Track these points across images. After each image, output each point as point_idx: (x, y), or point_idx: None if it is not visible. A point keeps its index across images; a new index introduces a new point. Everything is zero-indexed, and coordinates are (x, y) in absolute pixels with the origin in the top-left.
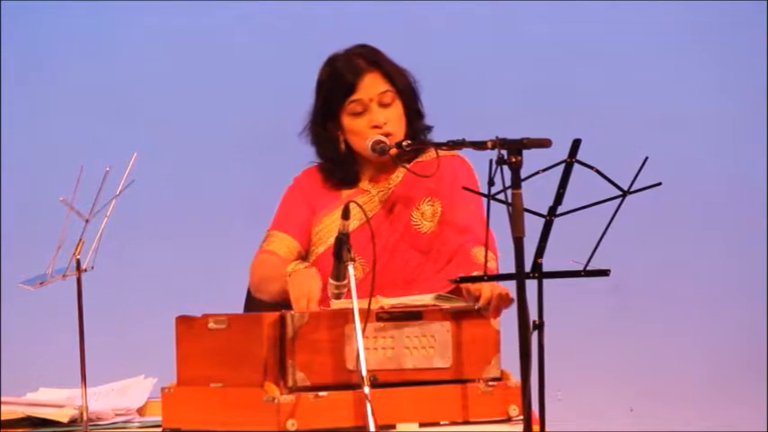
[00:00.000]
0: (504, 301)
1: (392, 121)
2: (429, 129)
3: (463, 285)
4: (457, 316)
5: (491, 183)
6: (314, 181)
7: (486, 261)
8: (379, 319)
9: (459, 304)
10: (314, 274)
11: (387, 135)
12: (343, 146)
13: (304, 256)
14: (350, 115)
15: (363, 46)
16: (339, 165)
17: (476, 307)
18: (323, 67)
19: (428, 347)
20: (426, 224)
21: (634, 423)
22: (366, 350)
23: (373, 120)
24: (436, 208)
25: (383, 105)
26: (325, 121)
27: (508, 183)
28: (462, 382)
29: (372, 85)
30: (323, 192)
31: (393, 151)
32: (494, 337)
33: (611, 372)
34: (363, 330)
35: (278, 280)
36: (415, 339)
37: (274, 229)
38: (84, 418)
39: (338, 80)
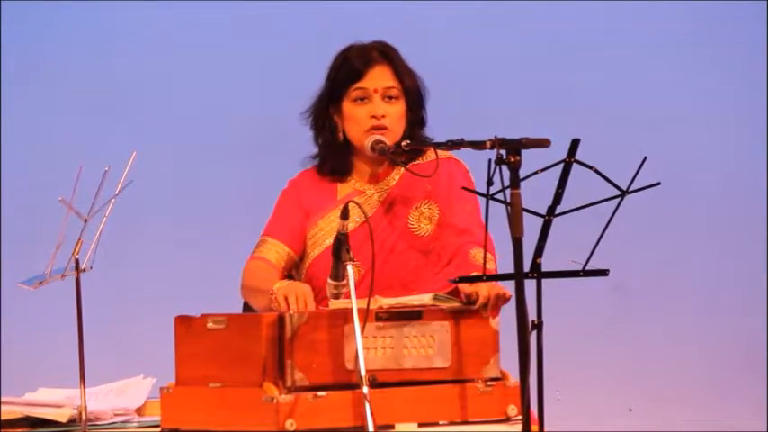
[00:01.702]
0: (501, 300)
1: (391, 116)
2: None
3: (460, 287)
4: (456, 316)
5: (490, 183)
6: (308, 183)
7: (484, 262)
8: (378, 318)
9: (457, 304)
10: (302, 283)
11: (383, 129)
12: (341, 135)
13: (297, 261)
14: (351, 102)
15: (381, 42)
16: (333, 152)
17: (474, 307)
18: (337, 54)
19: (427, 347)
20: (424, 227)
21: (633, 423)
22: (365, 350)
23: (373, 110)
24: (434, 211)
25: (386, 100)
26: (328, 105)
27: (507, 182)
28: (461, 381)
29: (380, 77)
30: (317, 193)
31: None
32: (492, 336)
33: (610, 372)
34: (362, 330)
35: (264, 294)
36: (414, 339)
37: (267, 235)
38: (83, 417)
39: (348, 66)
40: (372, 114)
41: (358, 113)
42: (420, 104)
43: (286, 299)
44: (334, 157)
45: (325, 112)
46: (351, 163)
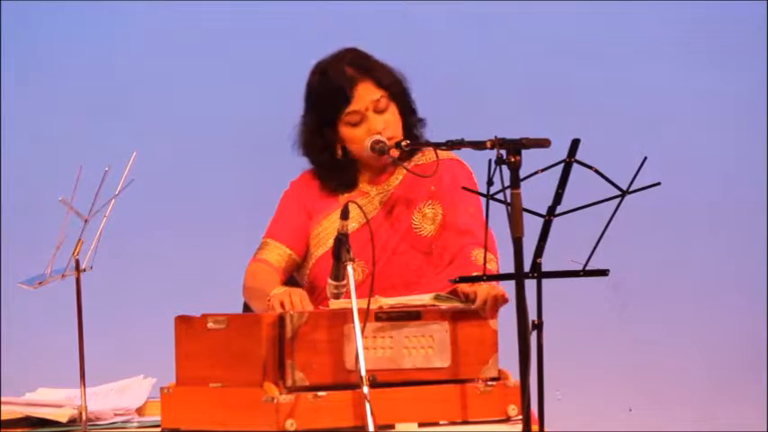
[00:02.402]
0: (501, 301)
1: (390, 124)
2: (422, 121)
3: (458, 287)
4: (455, 316)
5: (490, 183)
6: (311, 184)
7: (485, 262)
8: (378, 319)
9: (458, 304)
10: (298, 288)
11: (388, 139)
12: (340, 152)
13: (299, 263)
14: (348, 125)
15: (350, 51)
16: (336, 171)
17: (472, 307)
18: (312, 76)
19: (427, 347)
20: (427, 227)
21: (633, 423)
22: (365, 350)
23: (372, 128)
24: (437, 211)
25: (379, 111)
26: (322, 128)
27: (507, 183)
28: (460, 381)
29: (366, 94)
30: (320, 195)
31: (393, 152)
32: (491, 337)
33: (610, 371)
34: (362, 330)
35: (263, 298)
36: (413, 339)
37: (268, 237)
38: (84, 418)
39: (332, 92)
40: (373, 132)
41: (357, 134)
42: (406, 97)
43: (282, 304)
44: (339, 174)
45: (319, 135)
46: (355, 175)
